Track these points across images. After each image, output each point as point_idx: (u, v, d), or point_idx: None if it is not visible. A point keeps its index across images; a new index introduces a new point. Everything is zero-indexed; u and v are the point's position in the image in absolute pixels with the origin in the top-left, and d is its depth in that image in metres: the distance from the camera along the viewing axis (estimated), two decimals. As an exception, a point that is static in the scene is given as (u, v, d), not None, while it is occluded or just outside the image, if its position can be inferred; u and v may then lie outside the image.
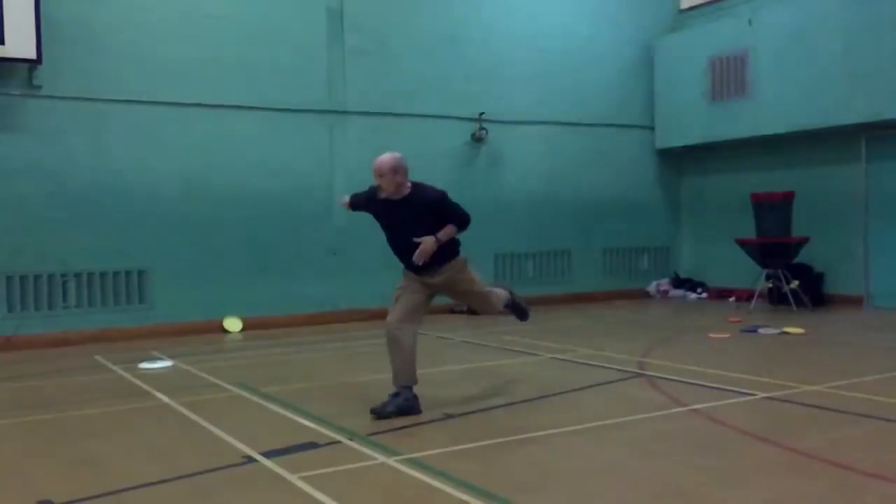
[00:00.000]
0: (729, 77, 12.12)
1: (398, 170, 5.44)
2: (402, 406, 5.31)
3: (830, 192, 11.42)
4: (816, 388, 5.97)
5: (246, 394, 6.20)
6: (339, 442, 4.75)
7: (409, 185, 5.52)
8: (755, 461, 4.28)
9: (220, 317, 10.02)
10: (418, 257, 5.40)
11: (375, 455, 4.47)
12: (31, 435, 5.19)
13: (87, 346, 8.95)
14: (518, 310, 6.37)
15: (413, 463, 4.29)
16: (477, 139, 11.83)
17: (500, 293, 6.12)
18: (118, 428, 5.30)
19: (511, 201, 12.14)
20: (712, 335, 8.76)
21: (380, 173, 5.46)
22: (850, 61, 10.49)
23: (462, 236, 12.66)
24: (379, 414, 5.26)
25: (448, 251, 5.60)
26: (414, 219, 5.44)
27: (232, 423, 5.27)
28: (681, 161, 13.71)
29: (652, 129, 13.38)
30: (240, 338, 9.70)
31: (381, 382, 6.57)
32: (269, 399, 5.99)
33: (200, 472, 4.24)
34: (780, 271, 10.85)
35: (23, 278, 9.10)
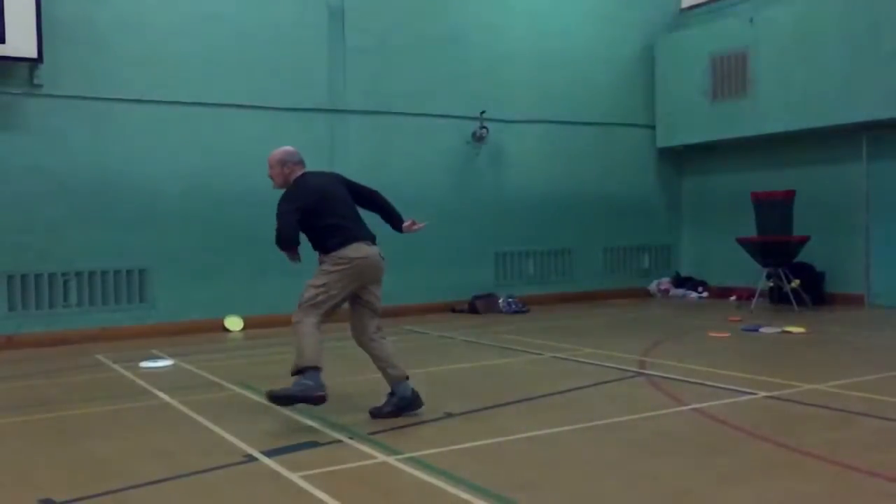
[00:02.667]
0: (730, 76, 12.11)
1: (284, 163, 5.44)
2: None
3: (831, 191, 11.41)
4: (817, 387, 5.97)
5: (247, 393, 6.21)
6: (339, 441, 4.75)
7: (294, 178, 5.41)
8: (755, 460, 4.28)
9: (221, 316, 10.02)
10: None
11: (376, 454, 4.47)
12: (32, 434, 5.19)
13: (87, 345, 8.96)
14: (286, 396, 5.10)
15: (413, 462, 4.29)
16: (478, 138, 11.83)
17: (303, 343, 5.14)
18: (119, 427, 5.30)
19: (512, 200, 12.14)
20: (713, 334, 8.76)
21: (269, 166, 5.50)
22: (852, 60, 10.49)
23: (464, 234, 12.62)
24: (375, 415, 5.23)
25: (317, 248, 5.36)
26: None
27: (232, 421, 5.28)
28: (682, 160, 13.71)
29: (653, 127, 13.38)
30: (241, 337, 9.71)
31: (382, 381, 6.57)
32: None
33: (201, 471, 4.24)
34: (780, 270, 10.85)
35: (24, 277, 9.11)
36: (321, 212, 5.25)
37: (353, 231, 5.30)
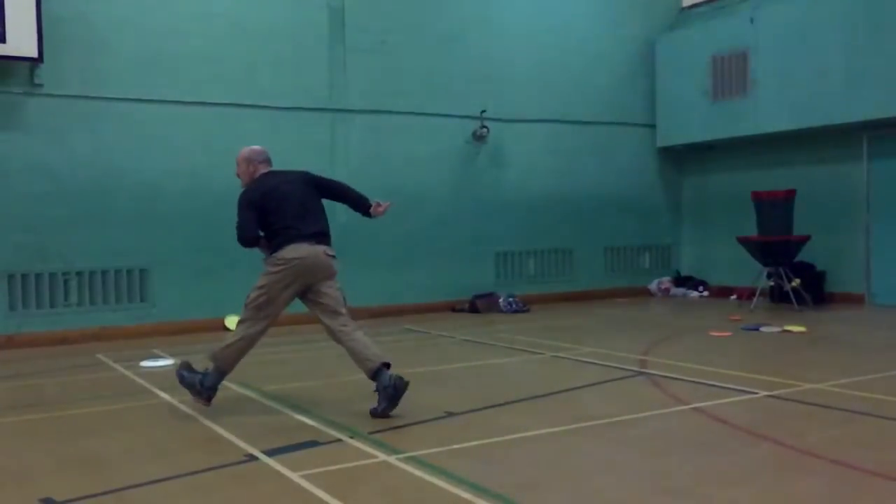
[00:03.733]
0: (730, 75, 12.11)
1: (249, 161, 5.60)
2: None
3: (832, 191, 11.41)
4: (818, 386, 5.97)
5: (247, 392, 6.20)
6: (340, 440, 4.75)
7: (256, 176, 5.57)
8: (756, 459, 4.28)
9: (221, 315, 10.01)
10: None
11: (376, 453, 4.46)
12: (33, 433, 5.19)
13: (88, 345, 8.96)
14: (192, 383, 5.46)
15: (414, 461, 4.29)
16: (478, 137, 11.83)
17: (226, 347, 5.40)
18: (119, 426, 5.30)
19: (512, 199, 12.14)
20: (713, 333, 8.76)
21: (237, 164, 5.68)
22: (852, 59, 10.48)
23: (464, 234, 12.62)
24: (376, 414, 5.20)
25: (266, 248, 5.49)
26: None
27: (233, 421, 5.27)
28: (682, 159, 13.71)
29: (653, 127, 13.38)
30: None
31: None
32: (270, 397, 5.99)
33: (202, 471, 4.24)
34: (781, 269, 10.85)
35: (24, 277, 9.10)
36: (270, 213, 5.38)
37: (295, 232, 5.35)
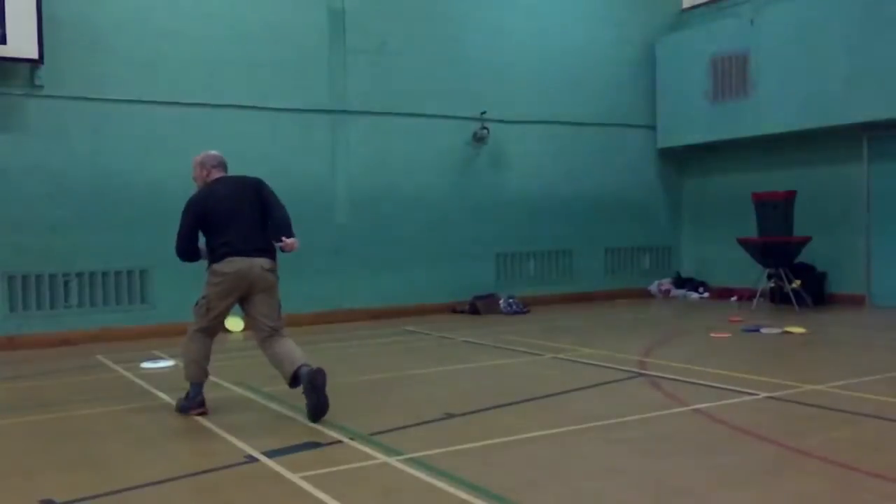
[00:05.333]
0: (731, 77, 12.11)
1: (203, 165, 5.72)
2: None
3: (832, 192, 11.42)
4: (818, 387, 5.97)
5: (248, 393, 6.21)
6: (340, 441, 4.75)
7: (208, 181, 5.67)
8: (757, 461, 4.28)
9: (221, 316, 10.02)
10: None
11: (376, 455, 4.47)
12: (33, 434, 5.19)
13: (88, 346, 8.96)
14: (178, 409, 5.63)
15: (414, 462, 4.29)
16: (478, 139, 11.84)
17: (186, 364, 5.55)
18: (120, 427, 5.30)
19: (512, 201, 12.15)
20: (714, 335, 8.76)
21: (192, 167, 5.79)
22: (852, 61, 10.49)
23: (464, 235, 12.66)
24: (313, 412, 5.17)
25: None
26: None
27: (233, 422, 5.28)
28: (682, 161, 13.71)
29: (653, 128, 13.38)
30: (241, 338, 9.70)
31: (383, 382, 6.58)
32: (270, 399, 5.99)
33: (202, 472, 4.24)
34: (781, 271, 10.85)
35: (25, 278, 9.11)
36: (211, 225, 5.47)
37: (232, 245, 5.40)
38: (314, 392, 5.12)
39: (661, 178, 13.65)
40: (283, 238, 5.47)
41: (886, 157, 10.90)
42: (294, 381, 5.26)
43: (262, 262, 5.43)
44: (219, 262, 5.41)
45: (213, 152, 5.80)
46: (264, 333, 5.43)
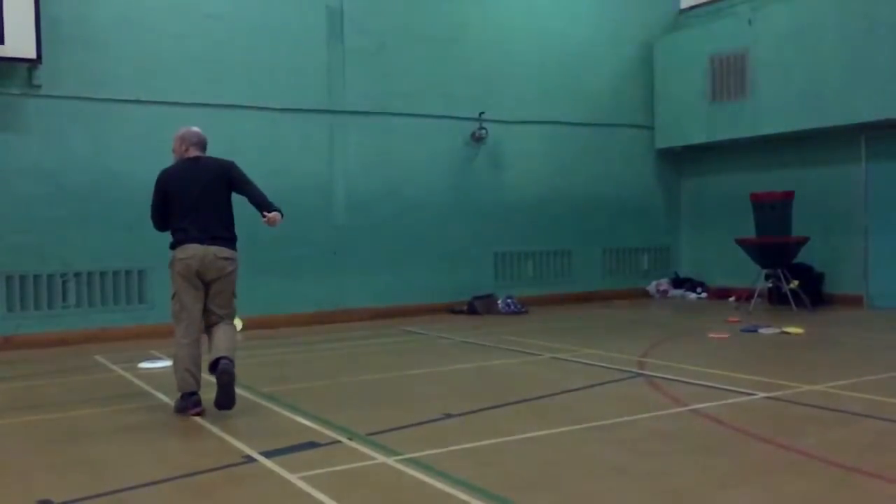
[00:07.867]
0: (729, 77, 12.12)
1: (183, 140, 5.73)
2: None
3: (830, 192, 11.43)
4: (816, 388, 5.97)
5: (246, 393, 6.20)
6: (338, 442, 4.75)
7: (181, 157, 5.73)
8: (755, 461, 4.28)
9: (219, 316, 10.01)
10: None
11: (375, 455, 4.47)
12: (31, 434, 5.19)
13: (86, 346, 8.95)
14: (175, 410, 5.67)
15: (413, 463, 4.29)
16: (477, 139, 11.84)
17: (174, 372, 5.56)
18: (118, 428, 5.30)
19: (511, 201, 12.15)
20: (712, 335, 8.77)
21: (173, 139, 5.83)
22: (850, 61, 10.50)
23: (463, 235, 12.65)
24: (220, 404, 5.34)
25: None
26: None
27: (231, 422, 5.28)
28: (680, 161, 13.72)
29: (652, 128, 13.39)
30: (240, 338, 9.65)
31: (381, 382, 6.58)
32: (268, 399, 5.99)
33: (200, 472, 4.24)
34: (779, 271, 10.86)
35: (23, 278, 9.10)
36: (171, 206, 5.56)
37: (188, 233, 5.47)
38: (219, 388, 5.30)
39: (660, 179, 13.65)
40: (265, 213, 5.54)
41: (884, 157, 10.91)
42: (211, 368, 5.39)
43: (216, 250, 5.48)
44: (173, 249, 5.53)
45: (195, 129, 5.80)
46: (212, 321, 5.54)
